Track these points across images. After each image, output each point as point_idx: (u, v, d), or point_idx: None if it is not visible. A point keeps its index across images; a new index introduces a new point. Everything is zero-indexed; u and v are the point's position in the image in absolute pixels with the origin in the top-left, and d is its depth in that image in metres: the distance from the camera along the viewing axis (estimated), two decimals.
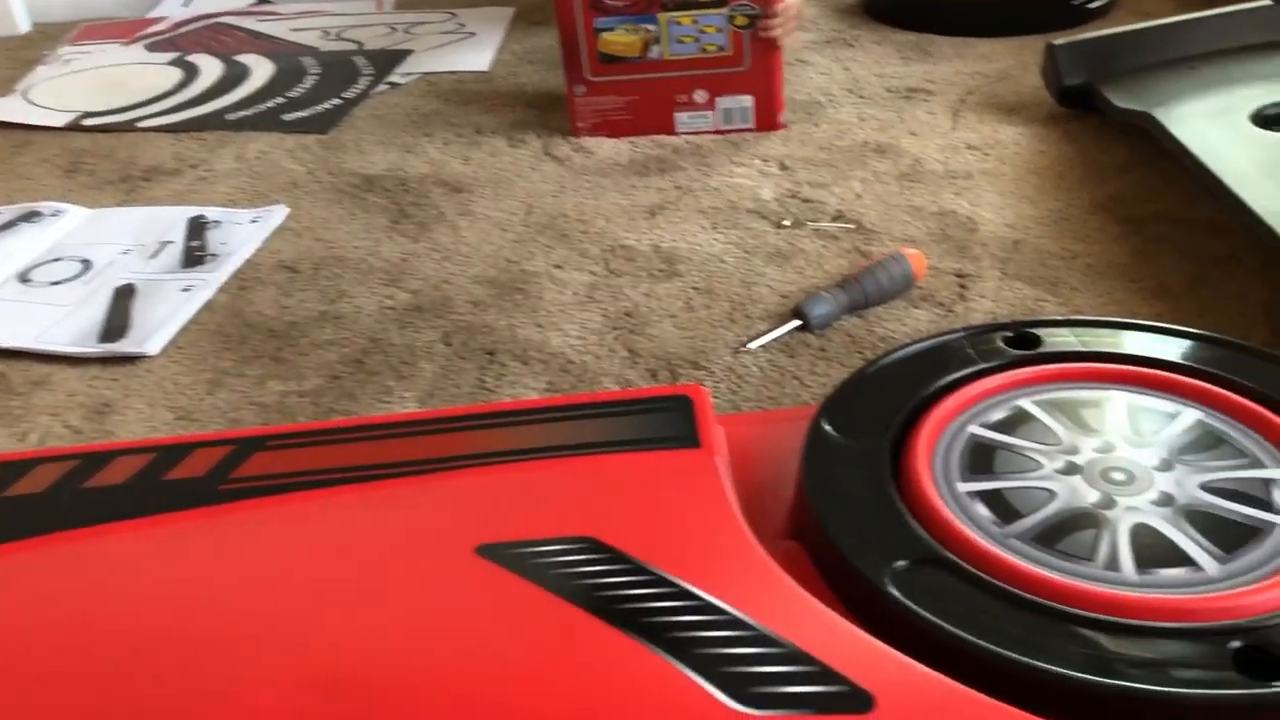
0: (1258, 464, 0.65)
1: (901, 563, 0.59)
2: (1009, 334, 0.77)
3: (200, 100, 1.55)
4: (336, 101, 1.51)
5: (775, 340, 0.94)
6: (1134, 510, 0.62)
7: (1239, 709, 0.51)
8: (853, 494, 0.65)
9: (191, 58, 1.71)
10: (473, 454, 0.73)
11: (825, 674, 0.52)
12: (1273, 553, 0.59)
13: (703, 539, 0.63)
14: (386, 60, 1.64)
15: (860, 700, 0.51)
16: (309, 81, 1.59)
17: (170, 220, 1.22)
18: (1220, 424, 0.68)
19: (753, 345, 0.93)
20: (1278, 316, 0.91)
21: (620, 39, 1.28)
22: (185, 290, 1.07)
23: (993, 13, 1.56)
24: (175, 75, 1.64)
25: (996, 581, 0.58)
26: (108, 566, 0.66)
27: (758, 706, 0.51)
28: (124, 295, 1.07)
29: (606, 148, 1.31)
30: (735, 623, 0.55)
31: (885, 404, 0.72)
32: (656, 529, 0.64)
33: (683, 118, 1.32)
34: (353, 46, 1.72)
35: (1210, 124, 1.03)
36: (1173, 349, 0.75)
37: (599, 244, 1.11)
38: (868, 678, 0.52)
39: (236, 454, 0.75)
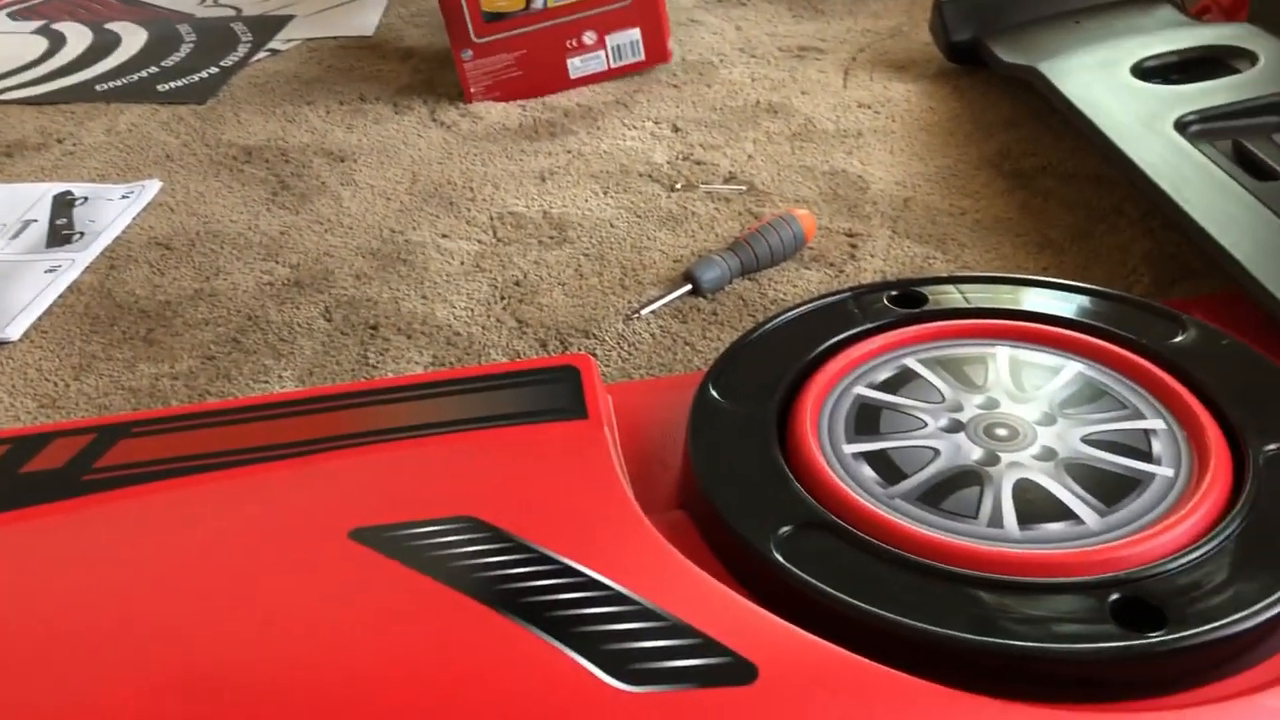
0: (1138, 415, 0.66)
1: (786, 528, 0.58)
2: (894, 293, 0.76)
3: (67, 70, 1.48)
4: (214, 70, 1.45)
5: (666, 305, 0.92)
6: (1017, 466, 0.62)
7: (1118, 661, 0.51)
8: (738, 460, 0.64)
9: (58, 26, 1.63)
10: (351, 434, 0.70)
11: (708, 646, 0.51)
12: (1153, 503, 0.60)
13: (587, 513, 0.61)
14: (267, 26, 1.58)
15: (744, 671, 0.50)
16: (184, 50, 1.52)
17: (34, 198, 1.16)
18: (1102, 376, 0.69)
19: (644, 311, 0.91)
20: (1160, 267, 0.92)
21: None
22: (50, 271, 1.02)
23: None
24: (40, 44, 1.56)
25: (880, 543, 0.57)
26: None
27: (638, 683, 0.50)
28: None
29: (495, 112, 1.27)
30: (616, 598, 0.54)
31: (771, 368, 0.71)
32: (540, 505, 0.62)
33: (575, 63, 1.30)
34: (231, 12, 1.66)
35: (1093, 77, 1.04)
36: (1056, 303, 0.75)
37: (487, 211, 1.08)
38: (751, 648, 0.51)
39: (99, 442, 0.71)
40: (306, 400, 0.76)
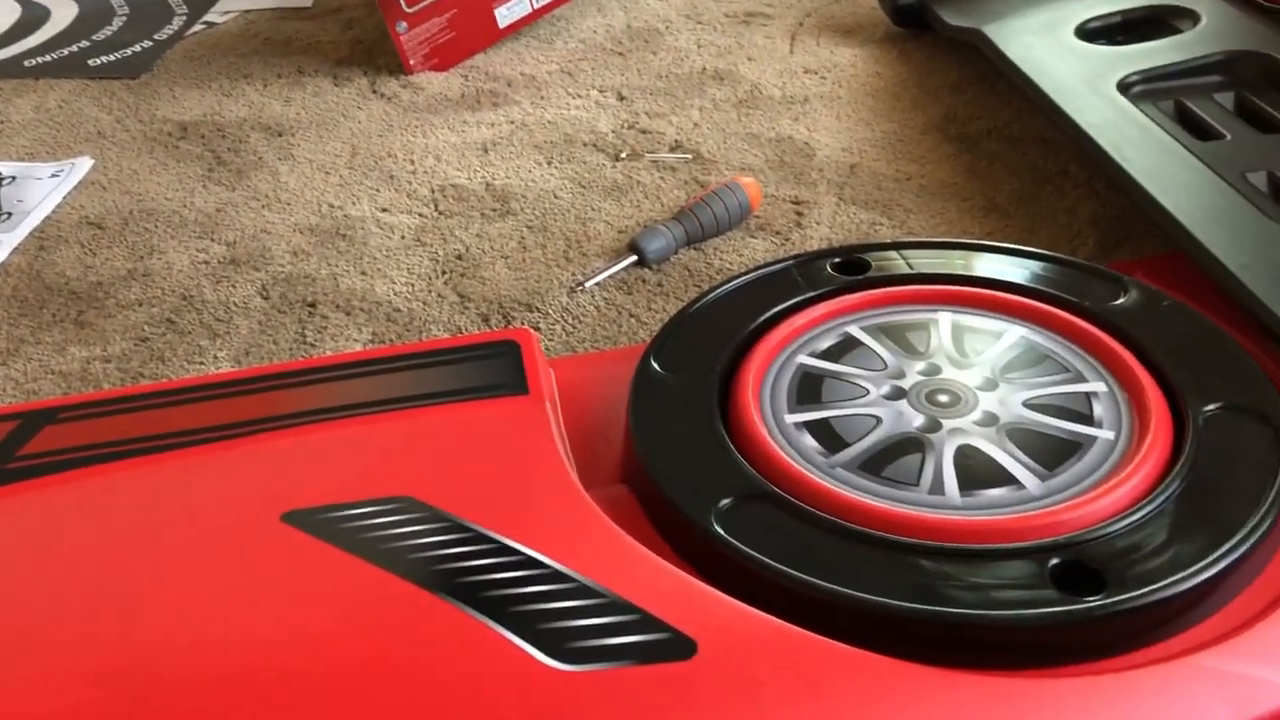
0: (1079, 378, 0.65)
1: (726, 501, 0.58)
2: (837, 260, 0.76)
3: None
4: (147, 44, 1.41)
5: (611, 277, 0.91)
6: (958, 432, 0.62)
7: (1058, 626, 0.50)
8: (679, 433, 0.63)
9: None
10: (286, 414, 0.69)
11: (646, 622, 0.51)
12: (1094, 466, 0.59)
13: (526, 490, 0.60)
14: None
15: (682, 647, 0.50)
16: (117, 23, 1.48)
17: None
18: (1044, 340, 0.68)
19: (588, 284, 0.90)
20: (1105, 229, 0.92)
21: None
22: None
23: None
24: None
25: (821, 513, 0.56)
26: None
27: (576, 661, 0.49)
28: None
29: (437, 83, 1.25)
30: (554, 576, 0.53)
31: (714, 339, 0.70)
32: (478, 483, 0.61)
33: (501, 11, 1.29)
34: None
35: (1036, 39, 1.03)
36: (998, 267, 0.75)
37: (428, 184, 1.06)
38: (690, 623, 0.51)
39: (23, 429, 0.69)
40: (241, 381, 0.74)
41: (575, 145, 1.11)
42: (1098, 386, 0.64)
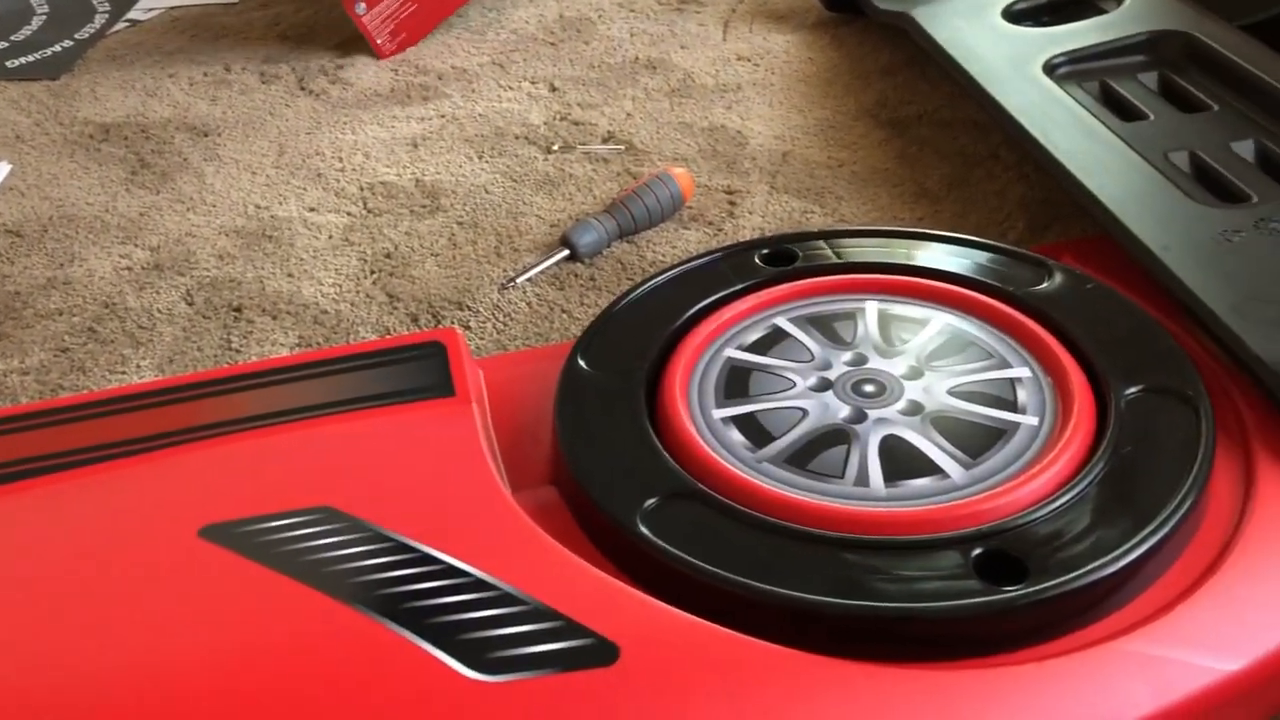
0: (1004, 364, 0.65)
1: (652, 500, 0.57)
2: (765, 251, 0.75)
3: None
4: (68, 43, 1.38)
5: (543, 272, 0.90)
6: (884, 422, 0.62)
7: (980, 617, 0.50)
8: (605, 432, 0.62)
9: None
10: (208, 424, 0.67)
11: (569, 629, 0.50)
12: (1018, 453, 0.60)
13: (449, 496, 0.59)
14: None
15: (605, 652, 0.49)
16: (36, 22, 1.44)
17: None
18: (969, 326, 0.68)
19: (519, 280, 0.89)
20: (1034, 212, 0.92)
21: None
22: None
23: None
24: None
25: (746, 510, 0.56)
26: None
27: (496, 672, 0.48)
28: None
29: (366, 78, 1.23)
30: (476, 584, 0.52)
31: (642, 335, 0.69)
32: (401, 490, 0.60)
33: None
34: None
35: (965, 22, 1.03)
36: (925, 254, 0.75)
37: (356, 182, 1.04)
38: (614, 627, 0.50)
39: None
40: (163, 391, 0.72)
41: (506, 138, 1.10)
42: (1022, 372, 0.65)
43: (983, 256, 0.74)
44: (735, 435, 0.62)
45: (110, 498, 0.62)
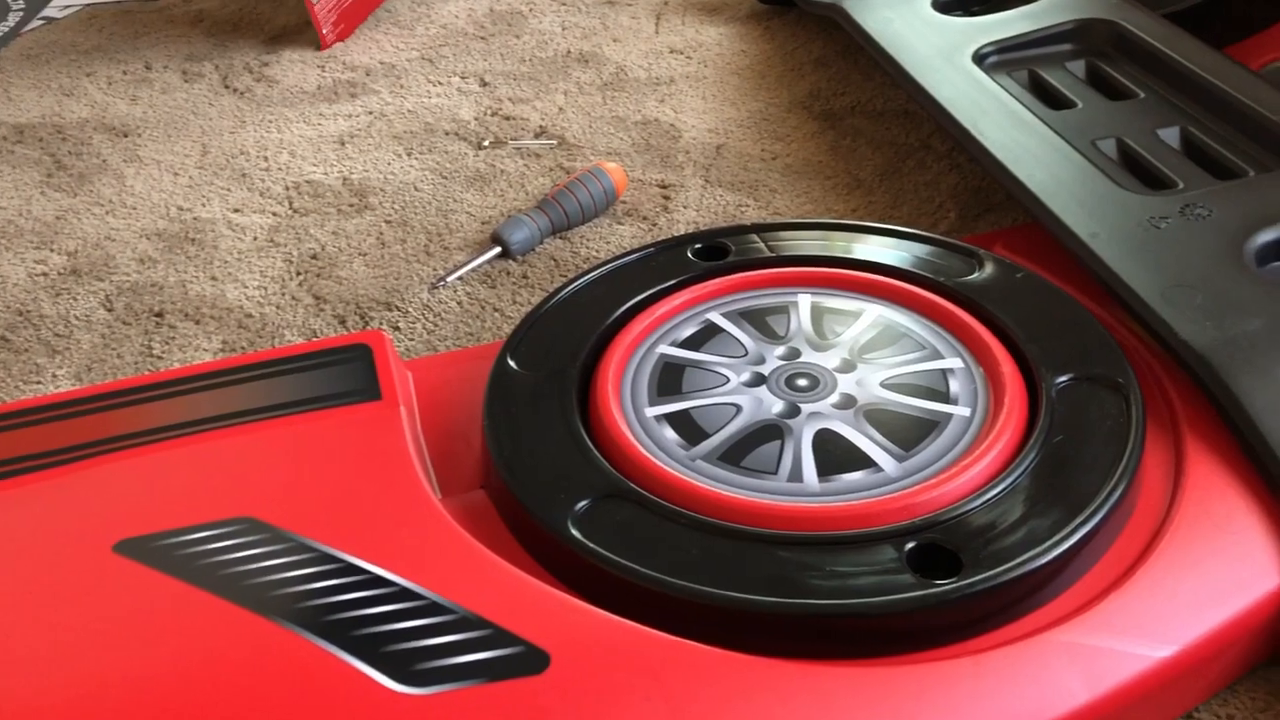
0: (936, 355, 0.65)
1: (583, 502, 0.56)
2: (697, 246, 0.74)
3: None
4: None
5: (474, 271, 0.88)
6: (817, 416, 0.61)
7: (914, 611, 0.50)
8: (536, 433, 0.61)
9: None
10: (125, 435, 0.65)
11: (498, 637, 0.49)
12: (950, 444, 0.59)
13: (374, 503, 0.58)
14: None
15: (535, 660, 0.48)
16: None
17: None
18: (901, 318, 0.68)
19: (450, 278, 0.87)
20: (966, 202, 0.92)
21: None
22: None
23: None
24: None
25: (679, 509, 0.55)
26: None
27: (422, 684, 0.47)
28: None
29: (292, 75, 1.20)
30: (401, 594, 0.51)
31: (573, 333, 0.68)
32: (324, 498, 0.58)
33: None
34: None
35: (895, 12, 1.03)
36: (856, 246, 0.74)
37: (282, 181, 1.02)
38: (543, 634, 0.49)
39: None
40: (79, 401, 0.70)
41: (436, 135, 1.08)
42: (954, 363, 0.64)
43: (915, 247, 0.74)
44: (669, 433, 0.61)
45: (20, 513, 0.59)
